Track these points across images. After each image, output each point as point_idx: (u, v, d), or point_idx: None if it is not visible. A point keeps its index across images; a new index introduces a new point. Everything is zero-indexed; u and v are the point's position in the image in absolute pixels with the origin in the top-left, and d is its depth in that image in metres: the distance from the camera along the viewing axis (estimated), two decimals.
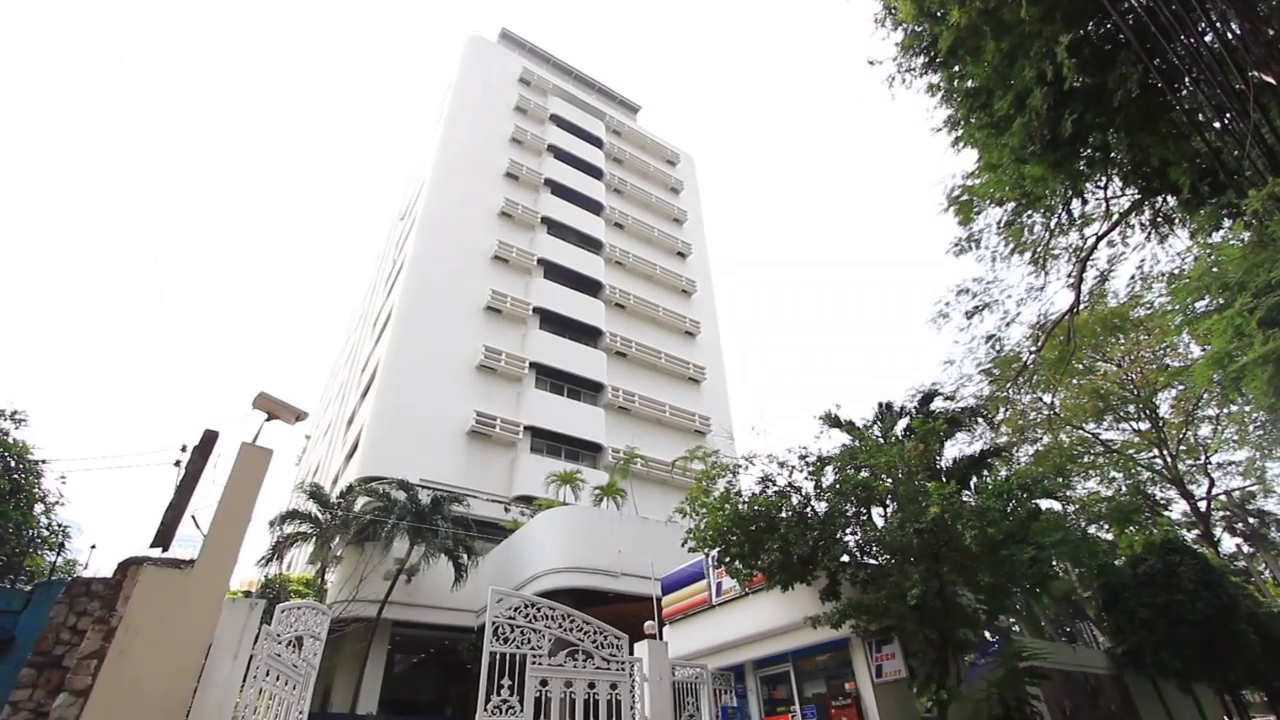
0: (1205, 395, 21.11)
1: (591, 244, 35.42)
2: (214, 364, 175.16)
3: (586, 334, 31.60)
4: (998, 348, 17.00)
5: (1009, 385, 18.96)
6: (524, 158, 36.88)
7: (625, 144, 43.64)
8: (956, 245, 14.67)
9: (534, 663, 10.13)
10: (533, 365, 28.60)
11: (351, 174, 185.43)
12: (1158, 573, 13.72)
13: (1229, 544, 30.19)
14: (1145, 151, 9.87)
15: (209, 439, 6.37)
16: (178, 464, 9.84)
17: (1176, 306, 10.61)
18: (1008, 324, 16.14)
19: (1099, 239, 13.59)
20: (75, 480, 76.34)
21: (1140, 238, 13.66)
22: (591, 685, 10.54)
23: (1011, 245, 14.16)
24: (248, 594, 18.10)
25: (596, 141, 41.30)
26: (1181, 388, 22.09)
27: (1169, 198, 11.94)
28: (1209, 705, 15.10)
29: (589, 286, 33.37)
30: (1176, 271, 14.00)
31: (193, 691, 6.47)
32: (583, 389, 29.90)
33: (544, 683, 10.07)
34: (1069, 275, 14.68)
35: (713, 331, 37.92)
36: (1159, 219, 12.75)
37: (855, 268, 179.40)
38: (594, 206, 37.29)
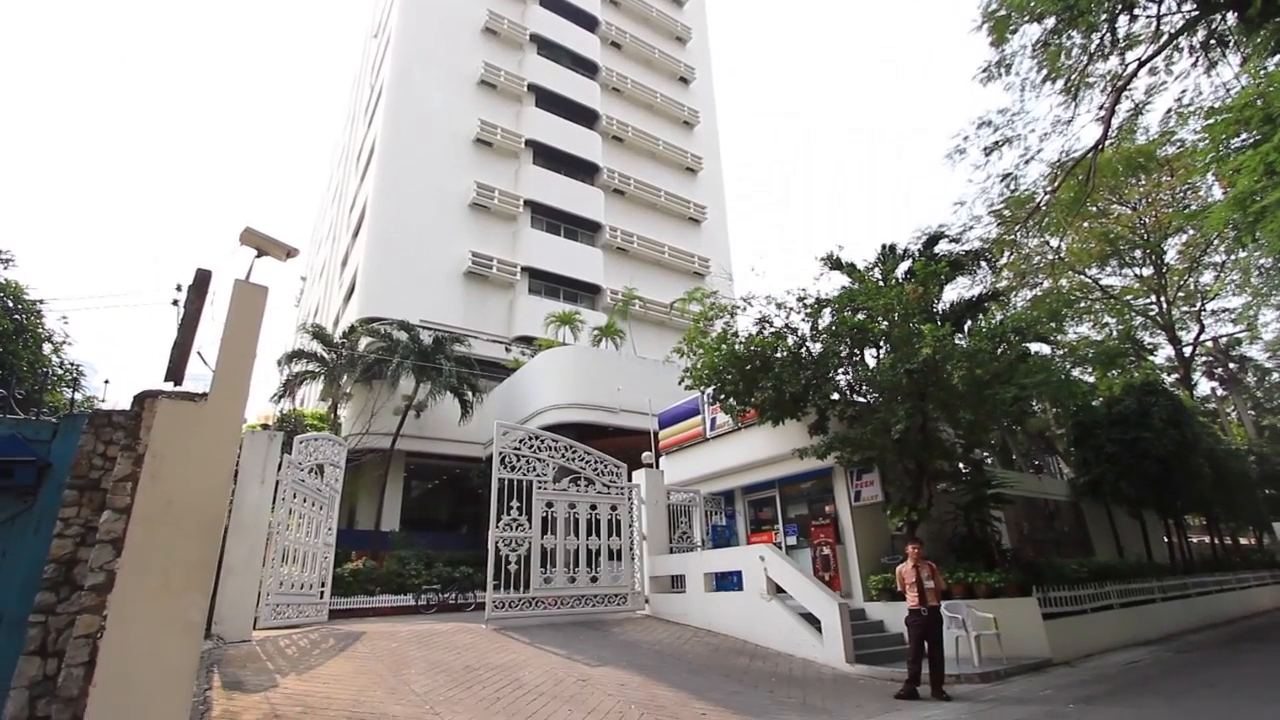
0: (1216, 240, 20.73)
1: (586, 67, 32.49)
2: (201, 201, 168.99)
3: (583, 170, 30.14)
4: (1012, 187, 16.34)
5: (1018, 227, 18.48)
6: None
7: None
8: (985, 71, 13.54)
9: (539, 488, 11.05)
10: (527, 203, 27.65)
11: None
12: (1132, 412, 14.30)
13: (1205, 388, 31.58)
14: None
15: (203, 278, 6.24)
16: (175, 303, 9.82)
17: (1209, 142, 9.95)
18: (1027, 161, 15.38)
19: (1141, 64, 12.49)
20: (79, 321, 77.30)
21: (1186, 64, 12.58)
22: (593, 507, 11.58)
23: (1045, 70, 13.04)
24: (265, 427, 19.09)
25: None
26: (1193, 233, 21.64)
27: (1229, 15, 10.77)
28: (1153, 527, 16.64)
29: (584, 117, 31.19)
30: (1217, 105, 13.04)
31: (227, 513, 7.04)
32: (580, 229, 29.19)
33: (549, 504, 11.06)
34: (1100, 107, 13.69)
35: (715, 167, 36.14)
36: (1212, 40, 11.61)
37: (874, 100, 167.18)
38: (588, 21, 33.63)
